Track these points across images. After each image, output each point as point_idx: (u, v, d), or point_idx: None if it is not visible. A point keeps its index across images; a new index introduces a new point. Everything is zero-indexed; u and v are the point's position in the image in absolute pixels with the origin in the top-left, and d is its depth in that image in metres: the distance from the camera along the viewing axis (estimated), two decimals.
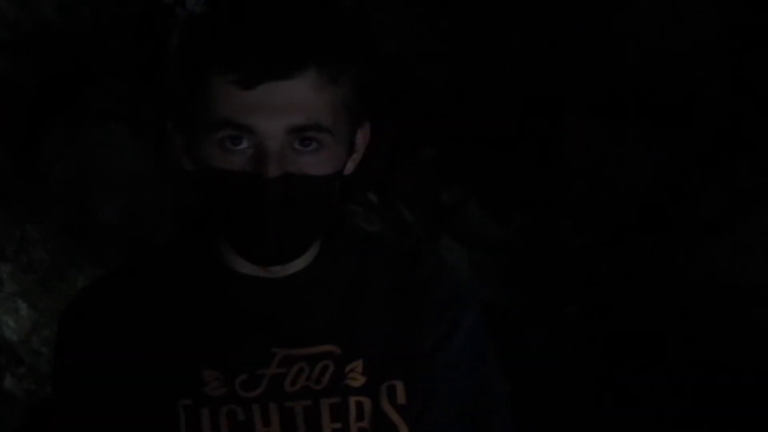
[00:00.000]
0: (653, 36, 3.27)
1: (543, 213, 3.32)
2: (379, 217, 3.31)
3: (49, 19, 3.42)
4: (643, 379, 3.26)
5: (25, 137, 3.41)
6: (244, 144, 1.45)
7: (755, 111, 3.23)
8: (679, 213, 3.30)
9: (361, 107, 1.53)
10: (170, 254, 1.60)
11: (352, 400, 1.52)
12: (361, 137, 1.56)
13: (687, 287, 3.26)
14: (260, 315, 1.53)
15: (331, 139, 1.47)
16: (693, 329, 3.25)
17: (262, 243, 1.48)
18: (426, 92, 3.31)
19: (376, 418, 1.52)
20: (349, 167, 1.54)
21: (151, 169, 3.37)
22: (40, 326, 3.34)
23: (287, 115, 1.44)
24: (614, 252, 3.30)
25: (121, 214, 3.36)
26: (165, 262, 1.59)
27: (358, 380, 1.52)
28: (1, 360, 3.36)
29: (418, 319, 1.56)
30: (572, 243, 3.31)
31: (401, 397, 1.53)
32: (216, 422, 1.49)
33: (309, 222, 1.49)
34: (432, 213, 3.34)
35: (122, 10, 3.42)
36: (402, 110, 3.27)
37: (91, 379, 1.51)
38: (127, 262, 1.65)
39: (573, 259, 3.31)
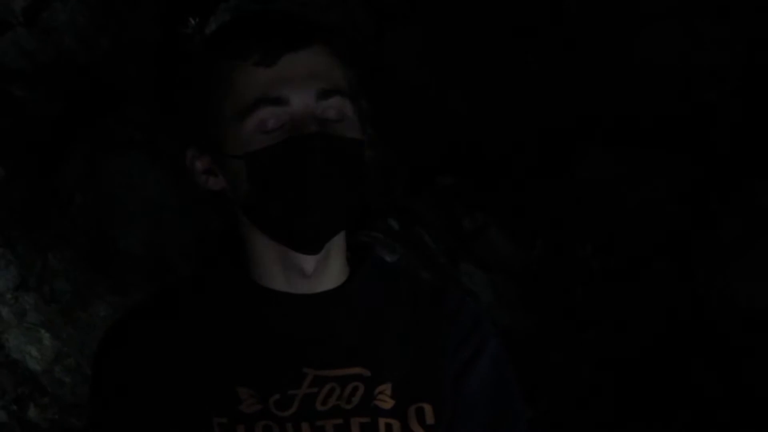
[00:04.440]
0: (669, 60, 3.28)
1: (563, 238, 3.32)
2: (401, 243, 3.31)
3: (68, 49, 3.43)
4: (660, 402, 3.27)
5: (45, 167, 3.42)
6: (279, 119, 1.51)
7: None
8: (698, 236, 3.30)
9: (366, 110, 1.61)
10: (202, 276, 1.63)
11: (382, 422, 1.54)
12: (369, 132, 1.63)
13: (706, 310, 3.27)
14: (291, 333, 1.55)
15: (351, 107, 1.54)
16: (712, 352, 3.26)
17: (310, 206, 1.51)
18: (446, 120, 3.32)
19: None
20: (365, 144, 1.60)
21: (172, 198, 3.37)
22: (63, 356, 3.35)
23: (313, 83, 1.51)
24: (634, 276, 3.31)
25: (142, 242, 3.37)
26: (197, 283, 1.62)
27: (387, 402, 1.55)
28: (24, 390, 3.37)
29: (444, 347, 1.59)
30: (592, 267, 3.31)
31: (429, 418, 1.55)
32: None
33: (347, 182, 1.53)
34: (453, 239, 3.35)
35: (141, 39, 3.43)
36: (422, 137, 3.28)
37: (129, 399, 1.54)
38: (160, 287, 1.68)
39: (593, 283, 3.31)
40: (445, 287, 1.66)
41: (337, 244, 1.59)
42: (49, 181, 3.41)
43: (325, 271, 1.58)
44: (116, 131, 3.41)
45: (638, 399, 3.29)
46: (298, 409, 1.52)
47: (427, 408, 1.55)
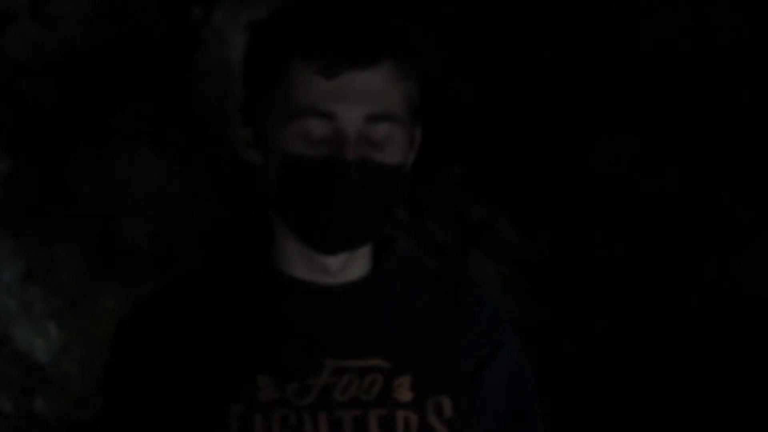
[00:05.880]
0: (680, 47, 3.27)
1: (573, 227, 3.32)
2: (409, 234, 3.31)
3: (73, 40, 3.43)
4: (674, 390, 3.27)
5: (51, 159, 3.42)
6: (324, 132, 1.51)
7: None
8: (708, 225, 3.30)
9: (421, 106, 1.60)
10: (217, 264, 1.63)
11: (400, 414, 1.54)
12: (417, 137, 1.62)
13: (716, 299, 3.26)
14: (312, 323, 1.56)
15: (400, 132, 1.54)
16: (722, 341, 3.25)
17: (333, 225, 1.52)
18: (454, 108, 3.31)
19: (423, 431, 1.55)
20: (407, 164, 1.60)
21: (178, 190, 3.37)
22: (70, 348, 3.35)
23: (366, 104, 1.51)
24: (643, 265, 3.30)
25: (149, 234, 3.37)
26: (213, 272, 1.62)
27: (405, 395, 1.55)
28: (31, 382, 3.37)
29: (462, 341, 1.60)
30: (602, 256, 3.31)
31: (448, 412, 1.56)
32: (268, 427, 1.51)
33: (378, 208, 1.54)
34: (461, 229, 3.34)
35: (148, 30, 3.43)
36: (430, 126, 3.27)
37: (145, 387, 1.55)
38: (173, 277, 1.68)
39: (603, 273, 3.31)
40: (465, 281, 1.67)
41: None
42: (56, 174, 3.41)
43: (348, 265, 1.58)
44: (122, 123, 3.41)
45: (649, 388, 3.29)
46: (317, 399, 1.53)
47: (446, 402, 1.56)
